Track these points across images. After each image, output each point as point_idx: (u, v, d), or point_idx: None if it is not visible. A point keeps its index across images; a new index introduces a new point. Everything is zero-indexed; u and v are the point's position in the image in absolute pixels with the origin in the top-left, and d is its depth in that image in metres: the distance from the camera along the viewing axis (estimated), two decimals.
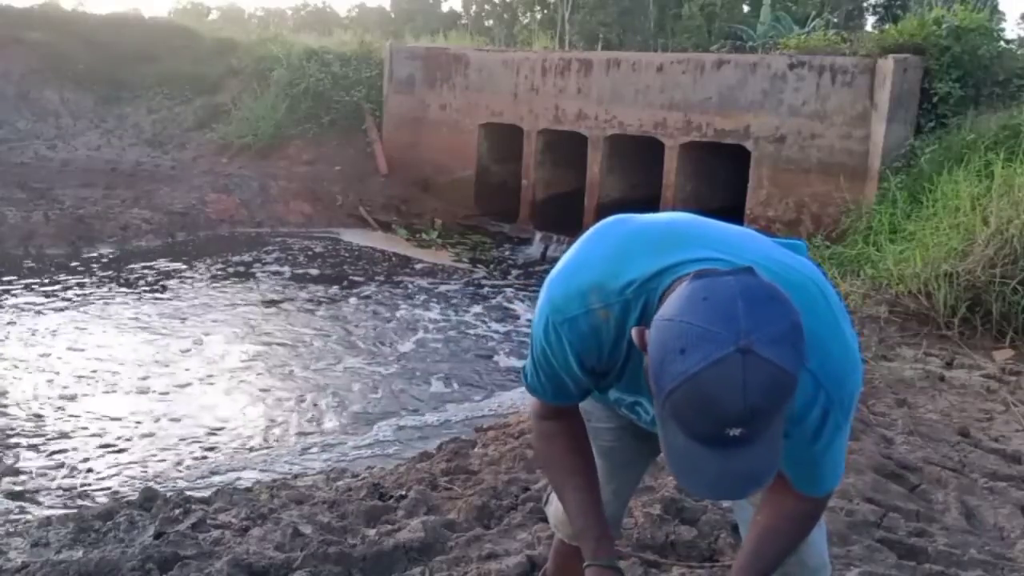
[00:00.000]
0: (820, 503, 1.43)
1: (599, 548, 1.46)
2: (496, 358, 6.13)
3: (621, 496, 1.75)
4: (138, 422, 4.65)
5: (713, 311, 1.06)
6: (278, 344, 6.10)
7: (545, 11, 39.41)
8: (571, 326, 1.31)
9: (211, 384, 5.28)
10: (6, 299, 6.71)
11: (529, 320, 7.09)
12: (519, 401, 5.20)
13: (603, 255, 1.32)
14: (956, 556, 2.63)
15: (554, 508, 1.76)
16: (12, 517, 3.43)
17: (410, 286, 8.01)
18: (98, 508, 3.11)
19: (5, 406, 4.72)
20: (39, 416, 4.63)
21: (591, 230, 1.40)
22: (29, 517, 3.33)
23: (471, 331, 6.76)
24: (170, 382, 5.25)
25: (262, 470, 4.17)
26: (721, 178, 9.30)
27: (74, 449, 4.28)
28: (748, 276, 1.10)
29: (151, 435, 4.51)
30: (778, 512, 1.41)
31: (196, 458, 4.29)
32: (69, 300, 6.82)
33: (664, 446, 1.14)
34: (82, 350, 5.71)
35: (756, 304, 1.06)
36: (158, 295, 7.14)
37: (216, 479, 4.02)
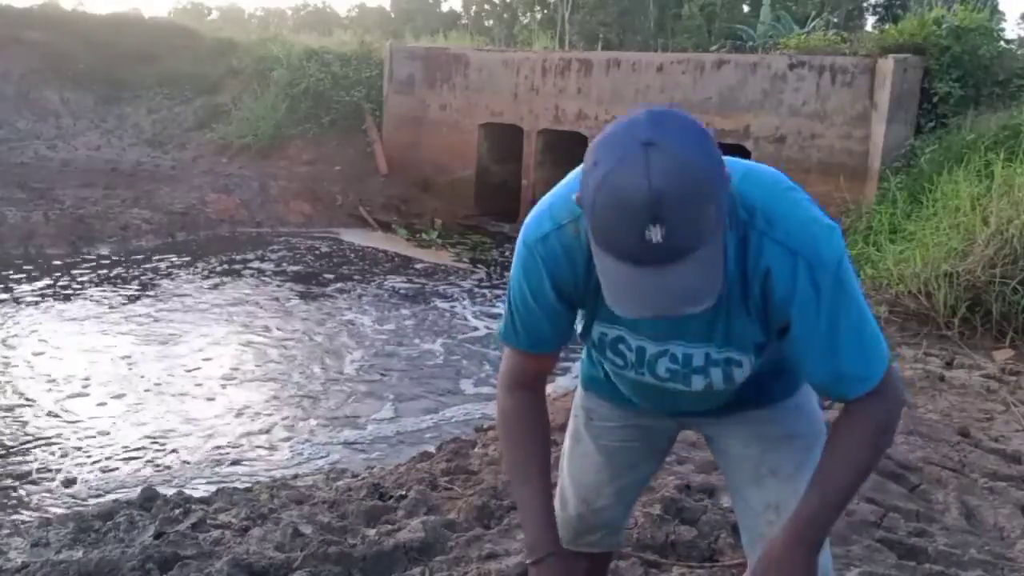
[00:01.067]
0: (878, 401, 1.30)
1: (539, 542, 1.44)
2: (496, 358, 6.13)
3: (625, 498, 1.71)
4: (138, 422, 4.65)
5: (621, 126, 1.12)
6: (278, 344, 6.10)
7: (545, 11, 39.42)
8: (544, 245, 1.33)
9: (211, 384, 5.28)
10: (6, 299, 6.71)
11: None
12: None
13: (568, 179, 1.37)
14: (956, 556, 2.63)
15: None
16: (12, 517, 3.43)
17: (410, 286, 8.01)
18: (98, 508, 3.11)
19: (5, 406, 4.72)
20: (39, 416, 4.63)
21: None
22: (29, 517, 3.33)
23: (471, 331, 6.76)
24: (170, 382, 5.25)
25: (262, 470, 4.17)
26: None
27: (74, 449, 4.28)
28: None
29: (151, 435, 4.51)
30: (838, 433, 1.34)
31: (196, 458, 4.29)
32: (69, 300, 6.82)
33: (602, 281, 1.15)
34: (81, 350, 5.71)
35: (663, 116, 1.11)
36: (158, 295, 7.14)
37: (216, 479, 4.02)
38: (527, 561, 1.45)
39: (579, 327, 1.47)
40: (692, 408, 1.54)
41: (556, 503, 1.69)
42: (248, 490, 3.44)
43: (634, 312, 1.15)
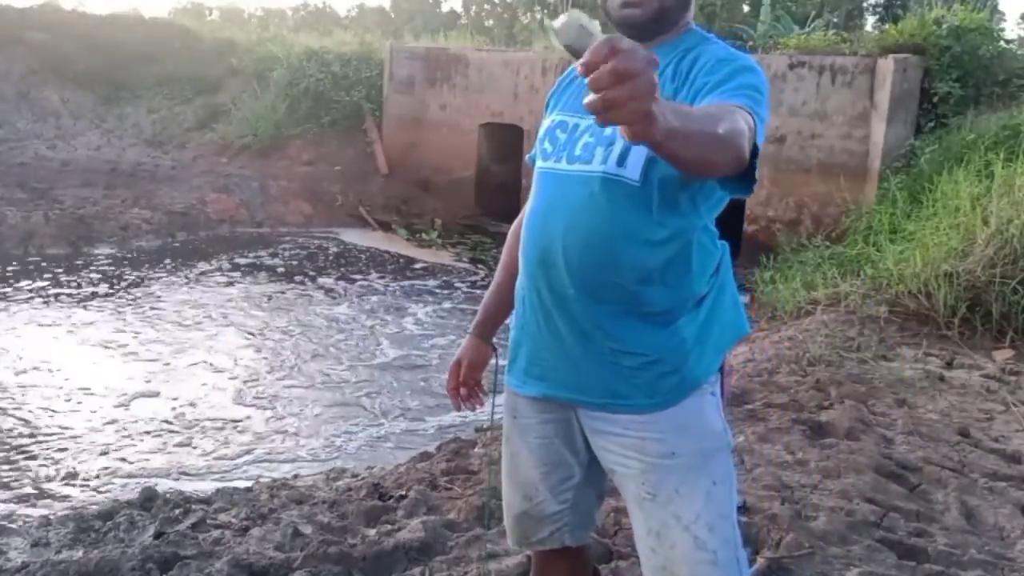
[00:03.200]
0: (745, 115, 1.29)
1: (475, 321, 1.89)
2: (496, 358, 6.12)
3: (562, 497, 1.68)
4: (137, 421, 4.65)
5: None
6: (278, 344, 6.10)
7: (545, 11, 39.39)
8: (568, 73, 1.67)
9: (211, 384, 5.28)
10: (6, 299, 6.71)
11: None
12: None
13: None
14: (956, 556, 2.63)
15: (505, 517, 1.79)
16: (12, 517, 3.43)
17: (410, 286, 8.01)
18: (98, 508, 3.11)
19: (5, 406, 4.72)
20: (38, 416, 4.63)
21: None
22: (29, 517, 3.33)
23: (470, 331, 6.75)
24: (170, 381, 5.25)
25: (262, 470, 4.17)
26: None
27: (73, 449, 4.28)
28: None
29: (151, 435, 4.51)
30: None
31: (196, 458, 4.29)
32: (68, 300, 6.82)
33: None
34: (81, 350, 5.71)
35: None
36: (157, 295, 7.14)
37: (216, 479, 4.02)
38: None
39: (540, 133, 1.64)
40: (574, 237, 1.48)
41: (504, 509, 1.77)
42: (248, 490, 3.44)
43: None
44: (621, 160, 1.44)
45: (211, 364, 5.62)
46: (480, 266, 9.01)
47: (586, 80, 1.00)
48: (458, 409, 1.91)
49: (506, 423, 1.75)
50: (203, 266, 8.18)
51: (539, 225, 1.55)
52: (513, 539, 1.78)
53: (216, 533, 2.80)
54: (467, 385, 1.88)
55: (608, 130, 1.42)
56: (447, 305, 7.47)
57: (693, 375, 1.52)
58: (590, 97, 0.97)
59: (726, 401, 1.62)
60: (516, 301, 1.68)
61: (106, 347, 5.80)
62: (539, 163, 1.60)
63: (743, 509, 2.75)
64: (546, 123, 1.63)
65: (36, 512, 3.49)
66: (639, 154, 1.42)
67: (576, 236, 1.48)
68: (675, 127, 1.07)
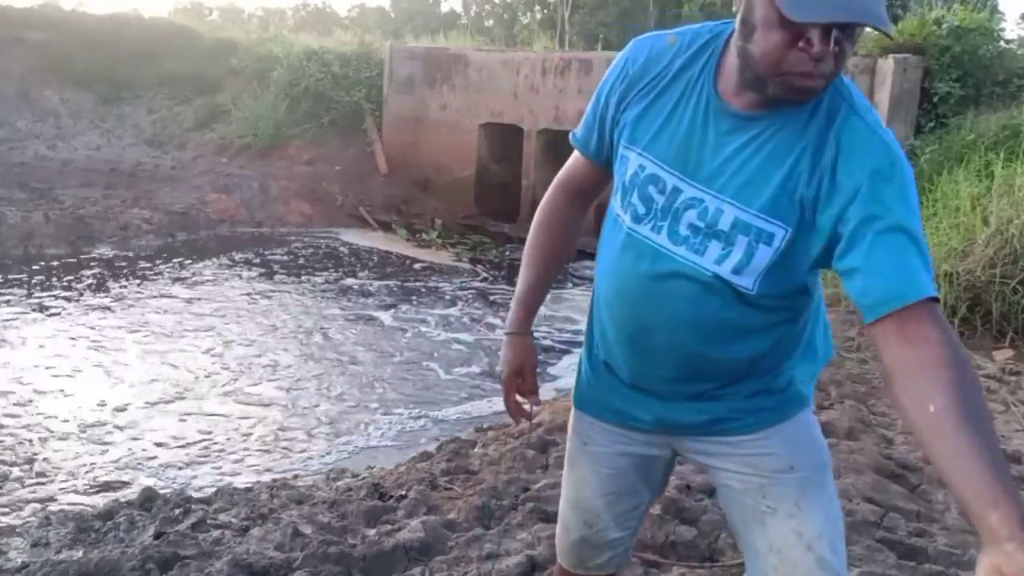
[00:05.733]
0: (938, 324, 1.12)
1: (510, 322, 1.61)
2: (495, 358, 6.11)
3: (624, 524, 1.64)
4: (137, 421, 4.65)
5: None
6: (278, 344, 6.10)
7: (545, 11, 39.39)
8: (638, 43, 1.42)
9: (211, 383, 5.28)
10: (5, 299, 6.71)
11: None
12: None
13: None
14: (956, 556, 2.63)
15: (558, 538, 1.74)
16: (12, 517, 3.43)
17: (410, 286, 8.01)
18: (98, 508, 3.11)
19: (4, 406, 4.72)
20: (38, 416, 4.63)
21: None
22: (29, 517, 3.33)
23: (471, 331, 6.76)
24: (170, 381, 5.25)
25: (262, 470, 4.17)
26: None
27: (73, 449, 4.28)
28: None
29: (151, 435, 4.51)
30: (914, 362, 1.11)
31: (196, 458, 4.29)
32: (68, 300, 6.82)
33: None
34: (81, 350, 5.71)
35: None
36: (157, 295, 7.14)
37: (216, 479, 4.02)
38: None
39: (622, 165, 1.40)
40: (671, 346, 1.39)
41: (559, 528, 1.70)
42: (248, 490, 3.44)
43: (815, 13, 1.13)
44: (739, 269, 1.30)
45: (211, 364, 5.61)
46: (480, 266, 9.01)
47: (674, 113, 1.31)
48: (519, 423, 1.68)
49: (573, 446, 1.65)
50: (203, 266, 8.18)
51: (630, 301, 1.40)
52: (568, 562, 1.70)
53: (216, 533, 2.80)
54: (532, 391, 1.64)
55: (723, 222, 1.28)
56: (447, 305, 7.46)
57: (798, 392, 1.47)
58: None
59: None
60: (595, 330, 1.54)
61: (105, 347, 5.80)
62: (627, 220, 1.39)
63: None
64: (632, 161, 1.37)
65: (36, 512, 3.49)
66: (760, 262, 1.28)
67: (676, 331, 1.37)
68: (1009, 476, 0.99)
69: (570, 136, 1.56)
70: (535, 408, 1.64)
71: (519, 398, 1.63)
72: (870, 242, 1.18)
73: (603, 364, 1.54)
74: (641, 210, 1.36)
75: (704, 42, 1.35)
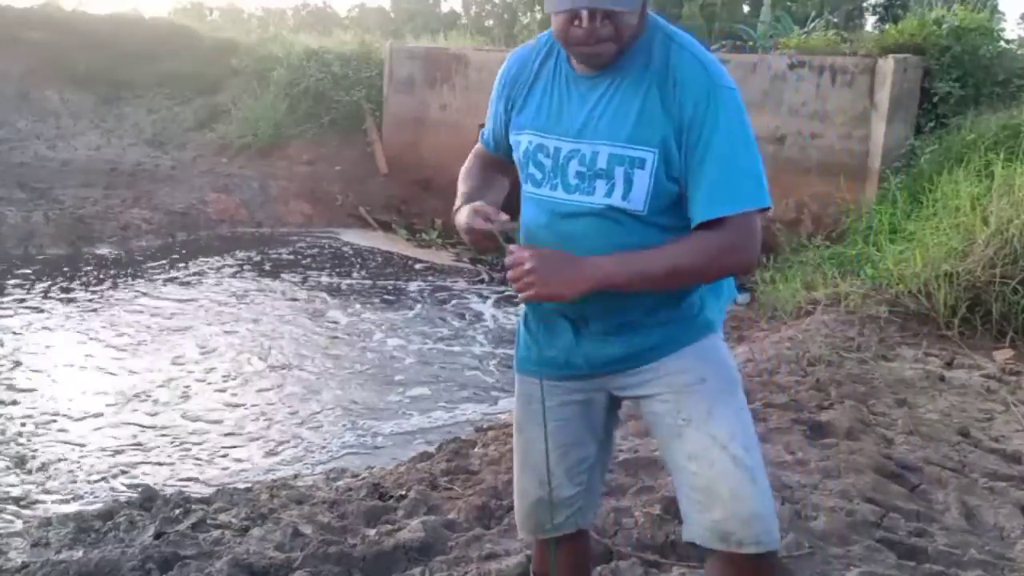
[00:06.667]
0: (727, 233, 1.48)
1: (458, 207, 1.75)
2: (496, 358, 6.13)
3: (577, 478, 1.77)
4: (137, 421, 4.65)
5: None
6: (278, 344, 6.10)
7: (545, 11, 39.32)
8: (510, 55, 1.75)
9: (210, 384, 5.28)
10: (5, 299, 6.71)
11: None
12: None
13: None
14: (956, 556, 2.63)
15: (516, 509, 1.86)
16: (12, 517, 3.43)
17: (410, 286, 8.01)
18: (98, 508, 3.11)
19: (4, 407, 4.72)
20: (38, 416, 4.63)
21: None
22: (29, 517, 3.33)
23: (471, 331, 6.76)
24: (170, 381, 5.25)
25: (262, 470, 4.17)
26: None
27: (74, 449, 4.28)
28: None
29: (150, 435, 4.51)
30: (689, 235, 1.53)
31: (196, 458, 4.29)
32: (68, 300, 6.82)
33: None
34: (80, 350, 5.71)
35: None
36: (157, 295, 7.14)
37: (216, 479, 4.02)
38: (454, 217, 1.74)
39: (517, 149, 1.69)
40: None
41: (515, 498, 1.85)
42: (248, 490, 3.44)
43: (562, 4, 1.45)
44: (625, 195, 1.54)
45: (211, 364, 5.62)
46: (480, 266, 9.01)
47: (545, 92, 1.65)
48: (477, 240, 1.68)
49: (519, 410, 1.81)
50: (203, 266, 8.18)
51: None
52: (527, 529, 1.84)
53: (216, 533, 2.80)
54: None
55: (600, 161, 1.55)
56: (447, 305, 7.46)
57: (707, 319, 1.67)
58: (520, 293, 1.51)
59: None
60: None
61: (105, 347, 5.80)
62: (529, 188, 1.67)
63: None
64: (523, 141, 1.66)
65: (36, 512, 3.50)
66: (641, 185, 1.53)
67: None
68: (623, 281, 1.49)
69: (480, 133, 1.87)
70: (501, 217, 1.66)
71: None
72: (697, 159, 1.49)
73: (537, 325, 1.73)
74: (538, 176, 1.64)
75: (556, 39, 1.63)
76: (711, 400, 1.60)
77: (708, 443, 1.56)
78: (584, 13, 1.45)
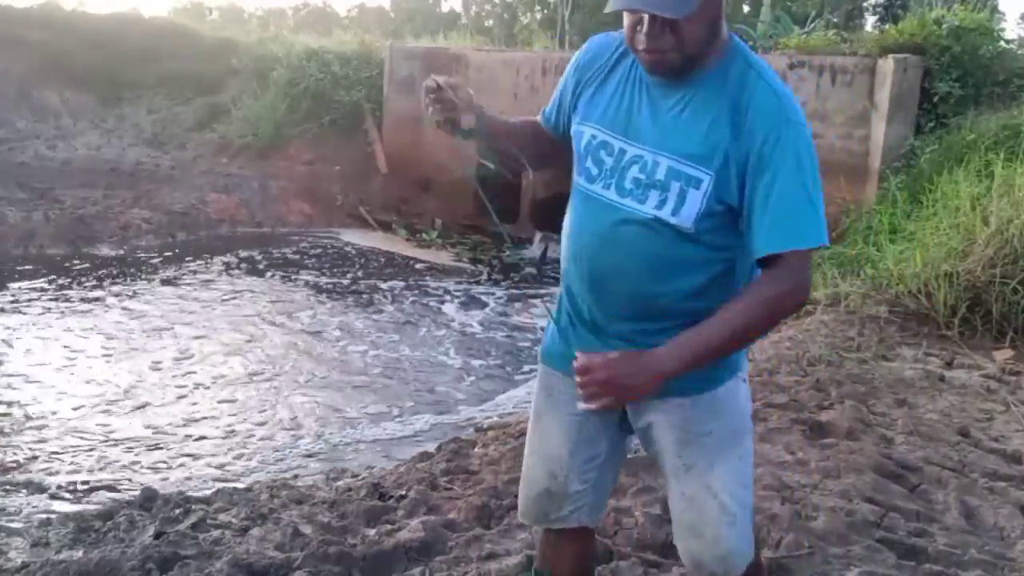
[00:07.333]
0: (779, 277, 1.48)
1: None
2: (495, 358, 6.13)
3: (586, 476, 1.79)
4: (137, 422, 4.65)
5: None
6: (278, 344, 6.10)
7: (545, 11, 39.36)
8: (590, 40, 1.77)
9: (211, 384, 5.28)
10: (5, 299, 6.71)
11: (527, 320, 7.09)
12: (519, 401, 5.20)
13: None
14: (956, 556, 2.63)
15: (520, 496, 1.89)
16: (12, 517, 3.43)
17: (409, 286, 8.01)
18: (98, 508, 3.12)
19: (4, 407, 4.72)
20: (38, 416, 4.63)
21: None
22: (29, 517, 3.33)
23: (470, 331, 6.76)
24: (170, 381, 5.25)
25: (262, 470, 4.17)
26: None
27: (74, 449, 4.28)
28: None
29: (150, 435, 4.51)
30: (743, 291, 1.54)
31: (196, 458, 4.29)
32: (68, 300, 6.82)
33: None
34: (80, 350, 5.71)
35: None
36: (157, 295, 7.14)
37: (216, 479, 4.02)
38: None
39: (578, 140, 1.67)
40: (619, 284, 1.61)
41: (521, 486, 1.88)
42: (248, 490, 3.44)
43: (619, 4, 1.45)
44: (675, 211, 1.53)
45: (211, 364, 5.62)
46: (480, 266, 9.01)
47: (617, 90, 1.62)
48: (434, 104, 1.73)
49: (539, 399, 1.84)
50: (203, 266, 8.18)
51: (589, 252, 1.64)
52: (531, 517, 1.88)
53: (216, 533, 2.80)
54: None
55: (659, 172, 1.54)
56: (447, 305, 7.46)
57: (733, 362, 1.68)
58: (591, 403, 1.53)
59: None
60: (562, 288, 1.75)
61: (105, 347, 5.80)
62: (582, 181, 1.66)
63: None
64: (585, 133, 1.65)
65: (36, 512, 3.49)
66: (693, 205, 1.52)
67: (629, 272, 1.59)
68: (690, 364, 1.50)
69: (540, 112, 1.85)
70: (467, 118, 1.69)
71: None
72: (762, 193, 1.47)
73: (568, 322, 1.74)
74: (594, 171, 1.63)
75: None
76: (713, 454, 1.67)
77: (703, 491, 1.67)
78: (645, 18, 1.46)
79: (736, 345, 1.56)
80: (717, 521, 1.67)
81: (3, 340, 5.78)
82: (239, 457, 4.33)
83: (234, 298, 7.23)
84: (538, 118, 1.87)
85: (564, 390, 1.74)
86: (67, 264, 7.88)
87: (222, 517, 2.98)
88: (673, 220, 1.53)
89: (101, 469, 4.09)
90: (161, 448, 4.37)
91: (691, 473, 1.68)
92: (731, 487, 1.68)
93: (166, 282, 7.55)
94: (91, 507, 3.30)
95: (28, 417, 4.61)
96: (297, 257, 8.86)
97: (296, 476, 3.95)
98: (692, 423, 1.67)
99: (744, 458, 1.72)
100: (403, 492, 3.23)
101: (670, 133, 1.54)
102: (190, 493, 3.40)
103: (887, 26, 10.34)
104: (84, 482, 3.95)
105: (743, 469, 1.72)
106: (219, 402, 5.02)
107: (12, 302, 6.65)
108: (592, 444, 1.78)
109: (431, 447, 4.12)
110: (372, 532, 2.81)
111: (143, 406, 4.87)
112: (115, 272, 7.75)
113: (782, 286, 1.49)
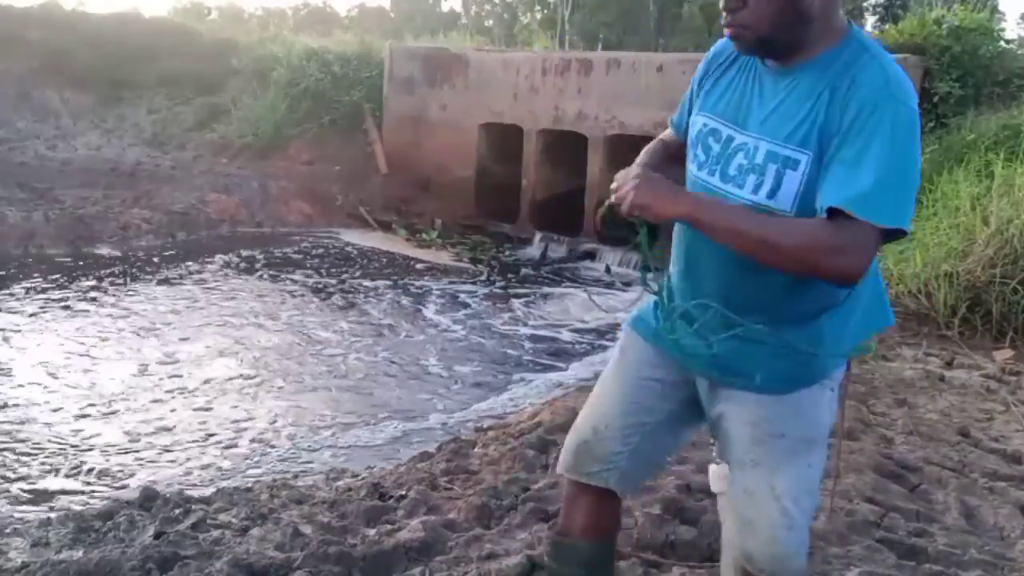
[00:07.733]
0: (841, 231, 1.37)
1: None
2: (495, 358, 6.13)
3: (629, 441, 1.79)
4: (137, 422, 4.65)
5: None
6: (278, 344, 6.10)
7: (545, 11, 39.37)
8: (718, 45, 1.75)
9: (211, 384, 5.28)
10: (5, 299, 6.71)
11: (526, 320, 7.10)
12: (519, 401, 5.20)
13: None
14: (956, 556, 2.63)
15: (565, 443, 1.89)
16: (12, 517, 3.43)
17: (410, 286, 8.01)
18: (98, 508, 3.11)
19: (4, 407, 4.72)
20: (38, 416, 4.63)
21: None
22: (29, 517, 3.33)
23: (470, 331, 6.76)
24: (170, 381, 5.25)
25: (262, 470, 4.17)
26: None
27: (73, 449, 4.28)
28: None
29: (150, 435, 4.51)
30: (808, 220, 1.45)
31: (196, 458, 4.29)
32: (68, 301, 6.81)
33: None
34: (81, 350, 5.71)
35: None
36: (157, 296, 7.14)
37: (216, 479, 4.02)
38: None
39: (692, 129, 1.70)
40: (717, 282, 1.61)
41: (568, 435, 1.89)
42: (248, 490, 3.44)
43: None
44: (772, 194, 1.51)
45: (211, 364, 5.62)
46: (480, 266, 9.01)
47: (732, 82, 1.65)
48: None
49: (613, 360, 1.88)
50: (203, 266, 8.18)
51: (687, 237, 1.66)
52: (564, 466, 1.87)
53: (216, 533, 2.80)
54: None
55: (759, 157, 1.54)
56: (447, 305, 7.47)
57: (823, 366, 1.66)
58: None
59: (844, 391, 1.80)
60: (671, 271, 1.75)
61: (105, 347, 5.80)
62: (692, 169, 1.68)
63: None
64: (698, 122, 1.68)
65: (36, 512, 3.49)
66: (790, 187, 1.50)
67: (720, 259, 1.58)
68: (708, 219, 1.46)
69: (670, 123, 1.90)
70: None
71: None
72: (848, 155, 1.41)
73: (667, 296, 1.74)
74: (702, 158, 1.65)
75: None
76: (782, 457, 1.65)
77: (766, 490, 1.65)
78: None
79: (756, 249, 1.43)
80: (775, 523, 1.64)
81: (3, 340, 5.78)
82: (239, 457, 4.33)
83: (234, 299, 7.23)
84: (664, 133, 1.91)
85: (637, 350, 1.80)
86: (67, 264, 7.88)
87: (222, 517, 2.98)
88: (770, 203, 1.50)
89: (101, 469, 4.09)
90: (161, 448, 4.37)
91: (757, 470, 1.66)
92: (795, 492, 1.65)
93: (166, 283, 7.55)
94: (91, 507, 3.30)
95: (28, 417, 4.61)
96: (297, 257, 8.86)
97: (296, 476, 3.95)
98: (765, 423, 1.65)
99: (814, 467, 1.69)
100: (403, 492, 3.23)
101: (772, 118, 1.55)
102: (190, 493, 3.40)
103: (887, 26, 10.34)
104: (84, 482, 3.95)
105: (811, 476, 1.69)
106: (220, 402, 5.02)
107: (12, 302, 6.64)
108: (646, 412, 1.79)
109: (431, 447, 4.12)
110: (372, 532, 2.81)
111: (143, 406, 4.87)
112: (115, 272, 7.74)
113: (834, 240, 1.36)
